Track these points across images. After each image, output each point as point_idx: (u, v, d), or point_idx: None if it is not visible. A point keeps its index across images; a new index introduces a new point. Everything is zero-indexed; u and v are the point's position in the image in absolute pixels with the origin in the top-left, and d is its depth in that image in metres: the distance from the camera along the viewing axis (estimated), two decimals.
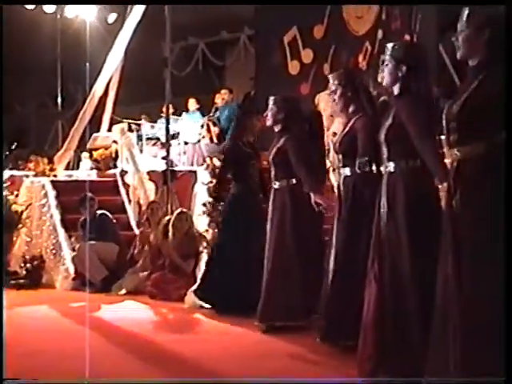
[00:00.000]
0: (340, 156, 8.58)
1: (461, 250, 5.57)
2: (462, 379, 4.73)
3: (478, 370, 5.44)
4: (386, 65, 7.03)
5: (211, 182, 14.05)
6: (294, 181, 9.86)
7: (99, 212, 14.58)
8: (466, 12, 5.72)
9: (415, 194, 6.82)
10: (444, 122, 5.75)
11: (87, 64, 17.71)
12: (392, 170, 6.97)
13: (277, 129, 10.00)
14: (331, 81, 8.84)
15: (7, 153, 19.89)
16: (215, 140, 19.24)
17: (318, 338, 8.63)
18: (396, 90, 6.88)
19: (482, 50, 5.64)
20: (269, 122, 10.06)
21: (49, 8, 20.98)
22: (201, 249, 13.09)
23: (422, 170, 6.66)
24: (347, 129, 8.53)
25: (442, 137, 5.94)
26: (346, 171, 8.47)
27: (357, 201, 8.35)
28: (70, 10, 21.10)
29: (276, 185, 10.05)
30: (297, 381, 5.20)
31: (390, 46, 7.26)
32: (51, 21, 21.35)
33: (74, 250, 14.46)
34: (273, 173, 10.11)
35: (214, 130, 19.41)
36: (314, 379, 5.28)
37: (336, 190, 8.83)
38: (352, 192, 8.42)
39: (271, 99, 10.13)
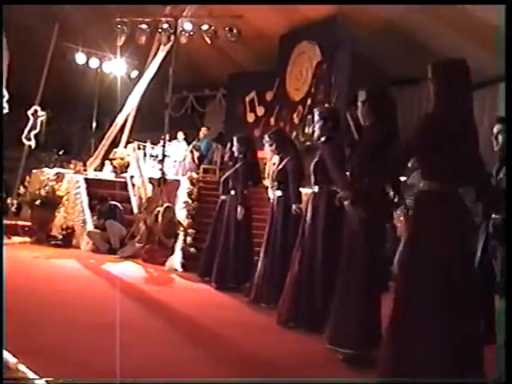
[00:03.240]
0: (275, 182, 8.85)
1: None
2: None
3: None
4: (317, 122, 7.21)
5: (189, 188, 14.11)
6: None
7: (112, 203, 14.72)
8: (359, 92, 5.92)
9: (330, 207, 7.02)
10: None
11: (117, 103, 17.82)
12: (316, 190, 7.37)
13: (239, 156, 10.18)
14: (267, 137, 9.22)
15: (56, 156, 19.86)
16: (196, 161, 19.27)
17: (248, 298, 8.94)
18: (323, 138, 7.05)
19: (367, 116, 5.84)
20: (236, 154, 10.27)
21: (93, 64, 21.00)
22: (178, 231, 13.16)
23: (335, 192, 6.84)
24: (280, 166, 8.93)
25: None
26: (279, 193, 8.87)
27: (286, 212, 8.69)
28: (107, 67, 21.11)
29: (232, 192, 10.36)
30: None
31: (318, 109, 7.50)
32: (94, 73, 21.35)
33: (96, 227, 14.58)
34: (230, 185, 10.44)
35: (196, 154, 19.44)
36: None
37: (271, 204, 9.04)
38: (283, 206, 8.74)
39: (235, 138, 10.34)
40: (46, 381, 4.64)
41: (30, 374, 4.66)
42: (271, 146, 9.09)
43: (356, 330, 5.72)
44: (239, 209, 9.92)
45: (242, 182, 10.10)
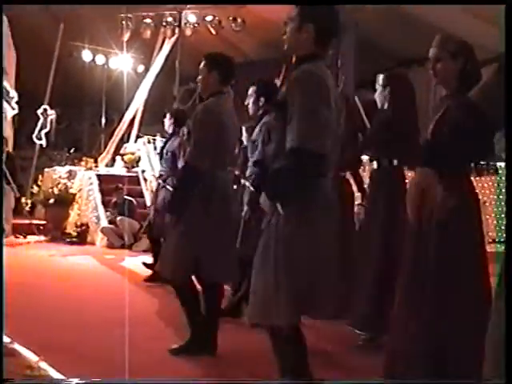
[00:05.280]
0: None
1: None
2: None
3: None
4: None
5: None
6: None
7: (127, 198, 14.68)
8: (380, 76, 5.84)
9: None
10: None
11: (124, 98, 17.79)
12: None
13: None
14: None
15: (67, 154, 19.96)
16: None
17: None
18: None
19: (387, 100, 5.79)
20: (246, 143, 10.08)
21: (100, 61, 21.02)
22: None
23: None
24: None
25: None
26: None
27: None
28: (114, 63, 21.11)
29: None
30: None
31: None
32: (100, 69, 21.36)
33: (110, 222, 14.59)
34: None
35: None
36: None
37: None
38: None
39: (244, 128, 10.18)
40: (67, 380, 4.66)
41: (52, 372, 4.68)
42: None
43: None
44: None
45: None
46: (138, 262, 11.82)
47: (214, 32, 17.53)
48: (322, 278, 3.72)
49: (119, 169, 18.56)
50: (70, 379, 4.68)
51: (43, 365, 4.74)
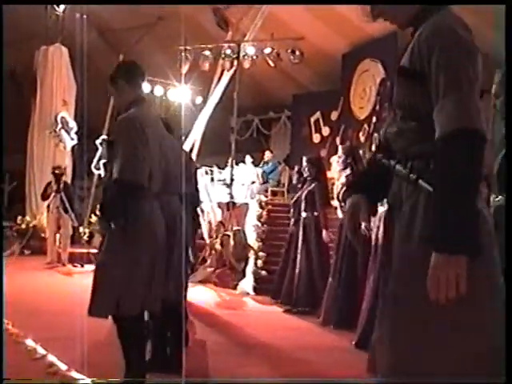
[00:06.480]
0: (343, 202, 8.79)
1: None
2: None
3: None
4: None
5: (258, 211, 14.10)
6: (316, 213, 9.99)
7: None
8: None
9: None
10: None
11: (182, 130, 17.90)
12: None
13: (309, 178, 10.10)
14: (340, 150, 9.07)
15: None
16: (262, 182, 19.31)
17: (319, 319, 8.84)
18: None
19: None
20: (305, 175, 10.18)
21: (158, 92, 21.26)
22: (249, 255, 13.16)
23: None
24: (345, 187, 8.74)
25: None
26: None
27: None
28: (172, 95, 21.35)
29: (303, 214, 10.13)
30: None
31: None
32: (159, 101, 21.57)
33: None
34: (303, 206, 10.16)
35: (261, 176, 19.48)
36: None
37: (339, 224, 8.99)
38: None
39: (305, 160, 10.24)
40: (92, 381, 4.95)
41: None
42: (340, 157, 8.93)
43: None
44: (324, 232, 9.88)
45: (319, 203, 10.02)
46: (194, 293, 11.89)
47: (272, 64, 17.63)
48: (137, 281, 4.71)
49: None
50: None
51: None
